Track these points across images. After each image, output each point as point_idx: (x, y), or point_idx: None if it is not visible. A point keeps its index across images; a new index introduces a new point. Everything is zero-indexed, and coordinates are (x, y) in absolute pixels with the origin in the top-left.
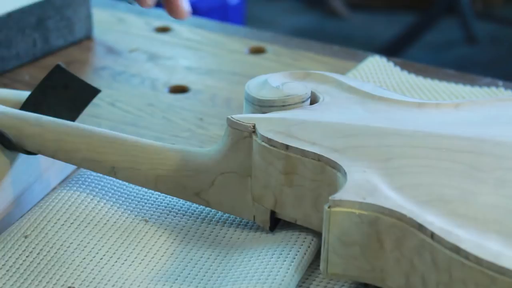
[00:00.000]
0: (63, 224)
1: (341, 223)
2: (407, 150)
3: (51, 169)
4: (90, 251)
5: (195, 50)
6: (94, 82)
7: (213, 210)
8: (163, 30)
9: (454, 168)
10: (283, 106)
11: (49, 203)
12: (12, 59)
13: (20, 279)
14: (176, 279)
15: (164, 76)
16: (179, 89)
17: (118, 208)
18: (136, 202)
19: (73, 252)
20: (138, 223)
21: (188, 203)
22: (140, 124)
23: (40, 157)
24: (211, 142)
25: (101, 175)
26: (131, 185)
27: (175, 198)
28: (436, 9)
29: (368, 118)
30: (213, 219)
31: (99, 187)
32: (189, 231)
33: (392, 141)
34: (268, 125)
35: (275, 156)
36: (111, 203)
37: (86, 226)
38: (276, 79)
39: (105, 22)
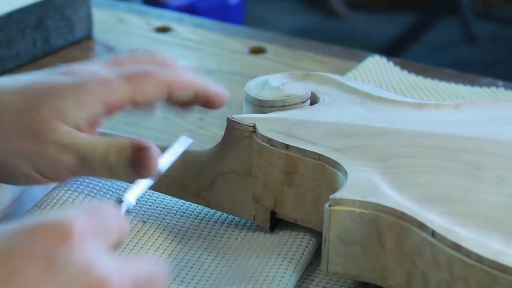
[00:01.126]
0: None
1: (341, 222)
2: (408, 150)
3: None
4: None
5: (195, 50)
6: None
7: (212, 210)
8: (163, 30)
9: (454, 167)
10: (283, 106)
11: (48, 203)
12: (12, 59)
13: None
14: (174, 280)
15: None
16: None
17: None
18: (135, 203)
19: None
20: (136, 224)
21: (187, 203)
22: (140, 124)
23: None
24: (211, 142)
25: None
26: (130, 185)
27: (173, 198)
28: (436, 9)
29: (368, 118)
30: (212, 219)
31: (98, 187)
32: (187, 231)
33: (392, 140)
34: (268, 125)
35: (275, 155)
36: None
37: None
38: (276, 80)
39: (105, 22)
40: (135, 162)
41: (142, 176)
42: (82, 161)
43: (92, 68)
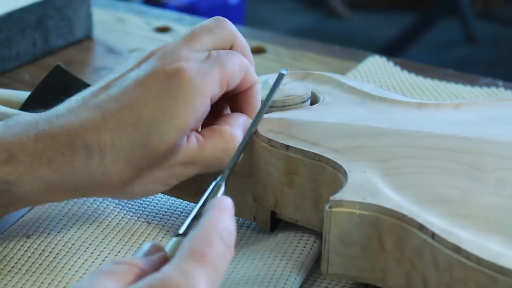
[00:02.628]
0: (65, 225)
1: (341, 223)
2: (408, 150)
3: None
4: (93, 252)
5: None
6: (94, 82)
7: None
8: (163, 30)
9: (454, 168)
10: (283, 106)
11: (51, 203)
12: (12, 59)
13: (22, 280)
14: None
15: None
16: None
17: (121, 209)
18: (139, 204)
19: (75, 253)
20: (141, 225)
21: (191, 204)
22: None
23: None
24: None
25: None
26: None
27: (177, 199)
28: (436, 9)
29: (368, 118)
30: None
31: None
32: None
33: (392, 141)
34: (268, 125)
35: (275, 156)
36: (114, 204)
37: (88, 227)
38: None
39: (105, 22)
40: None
41: None
42: (204, 167)
43: (181, 54)
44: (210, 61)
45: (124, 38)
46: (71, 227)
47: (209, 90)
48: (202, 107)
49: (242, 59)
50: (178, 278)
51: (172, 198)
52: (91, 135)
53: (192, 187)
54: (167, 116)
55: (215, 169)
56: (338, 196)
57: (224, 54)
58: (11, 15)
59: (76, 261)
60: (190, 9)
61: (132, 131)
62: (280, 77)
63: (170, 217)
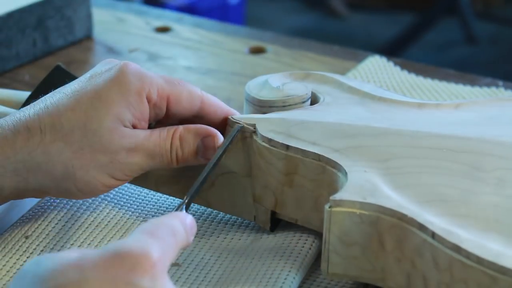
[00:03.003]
0: (64, 225)
1: (341, 223)
2: (408, 150)
3: None
4: None
5: (195, 50)
6: None
7: (213, 211)
8: (163, 30)
9: (454, 168)
10: (284, 106)
11: (50, 203)
12: (12, 59)
13: None
14: (177, 281)
15: None
16: None
17: (120, 209)
18: (138, 203)
19: None
20: (140, 224)
21: None
22: None
23: None
24: None
25: None
26: (132, 186)
27: (175, 199)
28: (436, 9)
29: (368, 118)
30: (214, 220)
31: None
32: None
33: (392, 141)
34: (269, 125)
35: (275, 156)
36: (113, 203)
37: (87, 227)
38: (276, 80)
39: (105, 22)
40: (200, 147)
41: (205, 159)
42: (151, 157)
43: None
44: (158, 74)
45: (124, 38)
46: (70, 227)
47: (143, 89)
48: (136, 102)
49: (194, 90)
50: (133, 243)
51: (171, 197)
52: (33, 120)
53: (182, 183)
54: (103, 103)
55: (161, 163)
56: (338, 196)
57: (175, 79)
58: (11, 15)
59: None
60: (190, 9)
61: (71, 114)
62: (235, 130)
63: None
